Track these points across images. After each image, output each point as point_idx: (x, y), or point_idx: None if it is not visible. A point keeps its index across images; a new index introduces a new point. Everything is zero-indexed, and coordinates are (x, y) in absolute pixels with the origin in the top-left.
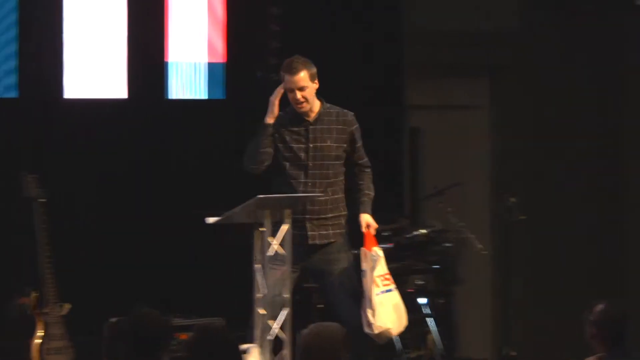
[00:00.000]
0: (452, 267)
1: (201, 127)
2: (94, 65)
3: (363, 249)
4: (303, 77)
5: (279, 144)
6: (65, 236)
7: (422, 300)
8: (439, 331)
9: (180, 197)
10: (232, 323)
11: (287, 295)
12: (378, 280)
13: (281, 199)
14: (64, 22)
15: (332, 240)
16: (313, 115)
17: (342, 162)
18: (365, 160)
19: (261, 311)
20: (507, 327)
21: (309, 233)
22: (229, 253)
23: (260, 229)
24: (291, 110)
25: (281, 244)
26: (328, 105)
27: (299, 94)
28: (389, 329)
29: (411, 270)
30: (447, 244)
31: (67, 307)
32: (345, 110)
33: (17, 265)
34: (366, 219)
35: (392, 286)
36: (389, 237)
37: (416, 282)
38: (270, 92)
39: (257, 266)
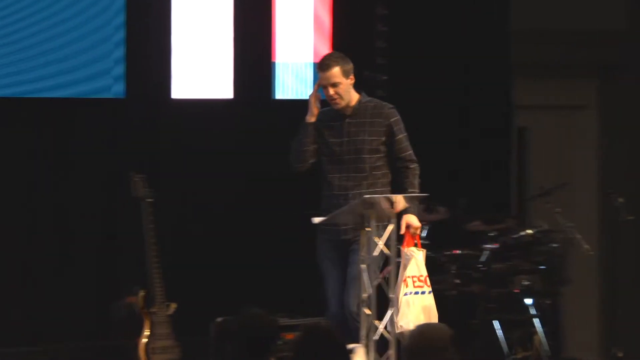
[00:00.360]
0: (559, 267)
1: None
2: (200, 66)
3: (401, 248)
4: (335, 73)
5: (319, 140)
6: (172, 236)
7: (528, 301)
8: (546, 332)
9: (285, 196)
10: None
11: (392, 295)
12: (409, 281)
13: (387, 199)
14: (172, 24)
15: None
16: (350, 110)
17: (381, 155)
18: (408, 153)
19: (367, 311)
20: (615, 328)
21: (342, 228)
22: None
23: (366, 229)
24: (331, 107)
25: (386, 244)
26: (367, 98)
27: (331, 90)
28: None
29: (517, 270)
30: (554, 245)
31: (173, 306)
32: (384, 103)
33: (125, 264)
34: (407, 219)
35: (427, 289)
36: (495, 237)
37: (522, 283)
38: (376, 91)
39: (363, 266)
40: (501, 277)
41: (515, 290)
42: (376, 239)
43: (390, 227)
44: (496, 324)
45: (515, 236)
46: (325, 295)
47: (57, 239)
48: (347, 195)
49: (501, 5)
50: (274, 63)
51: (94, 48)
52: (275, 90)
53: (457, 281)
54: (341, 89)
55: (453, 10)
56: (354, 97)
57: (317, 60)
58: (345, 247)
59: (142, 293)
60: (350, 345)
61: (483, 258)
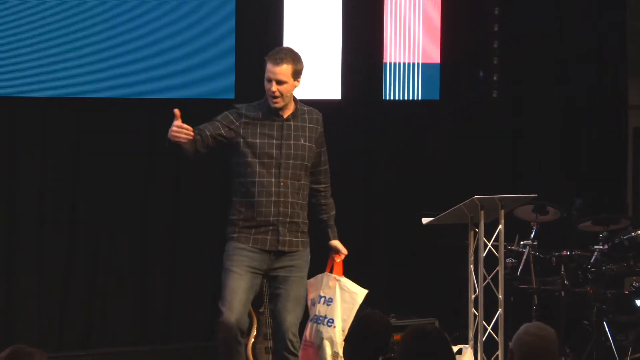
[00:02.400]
0: None
1: (416, 128)
2: (311, 67)
3: (332, 276)
4: (285, 70)
5: (247, 140)
6: None
7: (638, 302)
8: None
9: (392, 197)
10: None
11: (500, 296)
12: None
13: (498, 200)
14: (285, 25)
15: (300, 248)
16: (287, 112)
17: (310, 164)
18: (327, 167)
19: (475, 312)
20: None
21: (281, 238)
22: (442, 253)
23: (475, 230)
24: (264, 104)
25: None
26: (300, 102)
27: (275, 87)
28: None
29: (628, 271)
30: None
31: None
32: (315, 109)
33: None
34: (339, 245)
35: None
36: (606, 238)
37: (633, 284)
38: (490, 92)
39: (472, 267)
40: (612, 277)
41: (625, 292)
42: (485, 240)
43: (500, 228)
44: (606, 326)
45: (626, 237)
46: (224, 301)
47: (168, 238)
48: (287, 203)
49: (616, 5)
50: (385, 64)
51: (205, 50)
52: (386, 91)
53: (566, 282)
54: (285, 89)
55: (567, 11)
56: (292, 100)
57: (429, 61)
58: (275, 259)
59: None
60: (458, 346)
61: (593, 259)
